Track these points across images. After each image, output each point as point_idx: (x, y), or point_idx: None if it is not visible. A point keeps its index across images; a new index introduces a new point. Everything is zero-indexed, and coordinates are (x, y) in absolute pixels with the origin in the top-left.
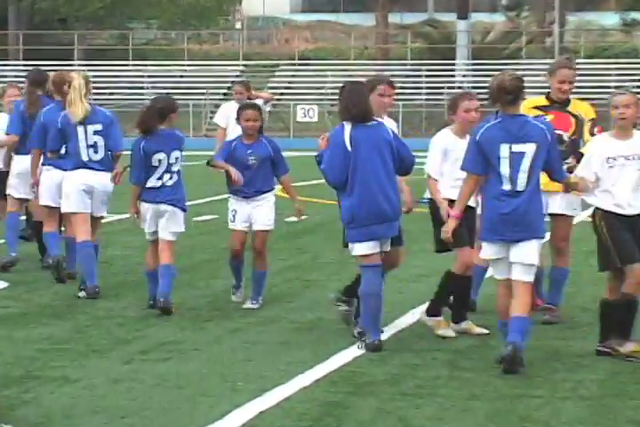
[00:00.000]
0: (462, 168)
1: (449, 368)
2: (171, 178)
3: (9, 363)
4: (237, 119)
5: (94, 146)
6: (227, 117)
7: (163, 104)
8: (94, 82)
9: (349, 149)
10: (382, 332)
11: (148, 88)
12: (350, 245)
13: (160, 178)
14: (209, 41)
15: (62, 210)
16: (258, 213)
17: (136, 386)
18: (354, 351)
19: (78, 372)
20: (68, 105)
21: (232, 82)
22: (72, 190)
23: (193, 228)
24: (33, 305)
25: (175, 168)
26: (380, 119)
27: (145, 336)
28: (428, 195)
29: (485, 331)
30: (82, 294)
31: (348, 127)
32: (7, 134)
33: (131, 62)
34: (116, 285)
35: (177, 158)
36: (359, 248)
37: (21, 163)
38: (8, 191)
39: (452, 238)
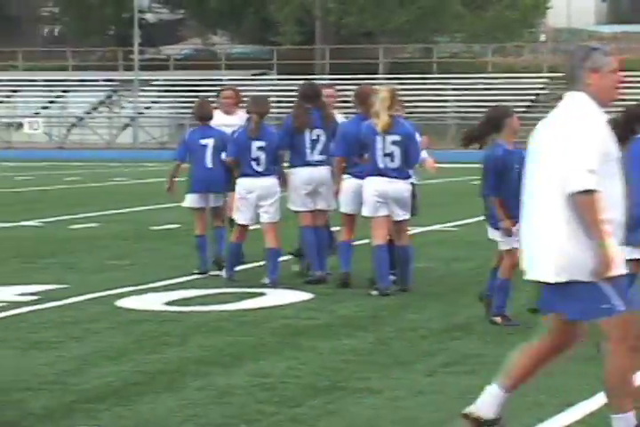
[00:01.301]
0: None
1: None
2: None
3: (315, 373)
4: None
5: (391, 155)
6: None
7: (492, 113)
8: (398, 95)
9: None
10: None
11: (451, 101)
12: None
13: None
14: (513, 54)
15: (362, 214)
16: None
17: (439, 398)
18: None
19: (382, 383)
20: (373, 116)
21: (537, 95)
22: (367, 197)
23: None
24: (338, 316)
25: None
26: None
27: (448, 349)
28: None
29: None
30: (374, 292)
31: None
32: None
33: (435, 75)
34: (421, 297)
35: None
36: None
37: (298, 173)
38: (291, 207)
39: None
